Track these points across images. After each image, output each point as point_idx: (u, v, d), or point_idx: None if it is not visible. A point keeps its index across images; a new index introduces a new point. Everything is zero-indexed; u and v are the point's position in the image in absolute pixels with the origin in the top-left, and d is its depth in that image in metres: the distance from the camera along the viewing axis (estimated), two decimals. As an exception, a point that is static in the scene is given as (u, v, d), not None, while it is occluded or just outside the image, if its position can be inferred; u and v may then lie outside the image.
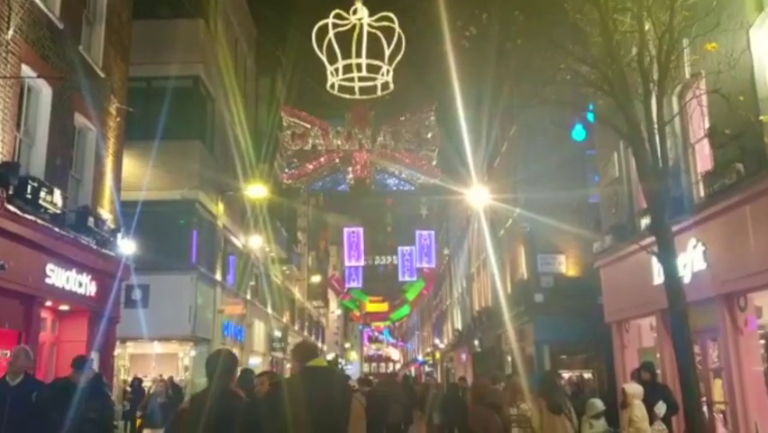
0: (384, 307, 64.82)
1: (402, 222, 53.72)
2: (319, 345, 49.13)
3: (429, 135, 22.94)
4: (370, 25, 16.25)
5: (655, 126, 8.79)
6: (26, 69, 10.66)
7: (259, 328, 27.25)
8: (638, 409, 9.15)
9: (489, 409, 8.54)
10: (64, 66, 11.91)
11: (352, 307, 61.18)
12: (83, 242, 12.26)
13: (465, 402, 12.24)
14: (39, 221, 10.58)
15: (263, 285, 28.13)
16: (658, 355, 12.67)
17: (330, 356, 50.95)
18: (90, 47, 13.44)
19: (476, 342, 30.59)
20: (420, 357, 69.09)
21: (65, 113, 12.06)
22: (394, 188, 23.88)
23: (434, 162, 23.05)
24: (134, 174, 16.77)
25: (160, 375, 16.96)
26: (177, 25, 19.59)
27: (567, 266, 19.46)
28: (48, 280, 11.17)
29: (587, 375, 18.24)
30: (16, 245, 10.09)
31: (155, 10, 19.27)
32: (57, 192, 10.91)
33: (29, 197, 10.19)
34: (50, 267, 11.19)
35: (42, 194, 10.45)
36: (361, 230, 47.17)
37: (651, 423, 9.26)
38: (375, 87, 17.39)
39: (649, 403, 9.35)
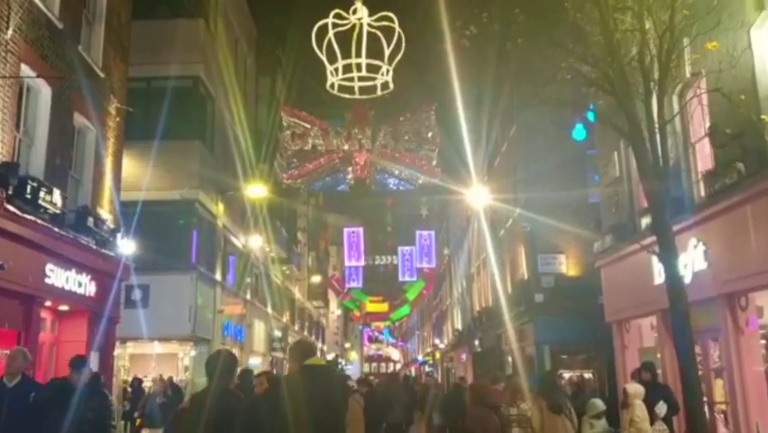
0: (384, 307, 64.78)
1: (402, 222, 53.71)
2: (319, 345, 49.11)
3: (429, 135, 22.95)
4: (369, 25, 16.22)
5: (656, 125, 8.77)
6: (25, 69, 10.64)
7: (259, 328, 27.23)
8: (639, 410, 9.14)
9: (487, 409, 8.51)
10: (63, 66, 11.89)
11: (352, 307, 61.17)
12: (82, 242, 12.24)
13: (465, 402, 12.22)
14: (38, 221, 10.56)
15: (263, 285, 28.12)
16: (659, 355, 12.66)
17: (330, 356, 50.95)
18: (90, 47, 13.42)
19: (476, 342, 30.58)
20: (420, 357, 69.08)
21: (64, 113, 12.04)
22: (394, 188, 23.90)
23: (434, 162, 23.06)
24: (134, 174, 16.75)
25: (160, 375, 16.93)
26: (176, 25, 19.57)
27: (567, 266, 19.44)
28: (47, 281, 11.15)
29: (587, 375, 18.21)
30: (16, 245, 10.07)
31: (155, 10, 19.26)
32: (56, 192, 10.89)
33: (28, 197, 10.17)
34: (49, 267, 11.17)
35: (42, 194, 10.43)
36: (361, 230, 47.15)
37: (652, 423, 9.24)
38: (375, 86, 17.36)
39: (650, 403, 9.34)
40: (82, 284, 12.36)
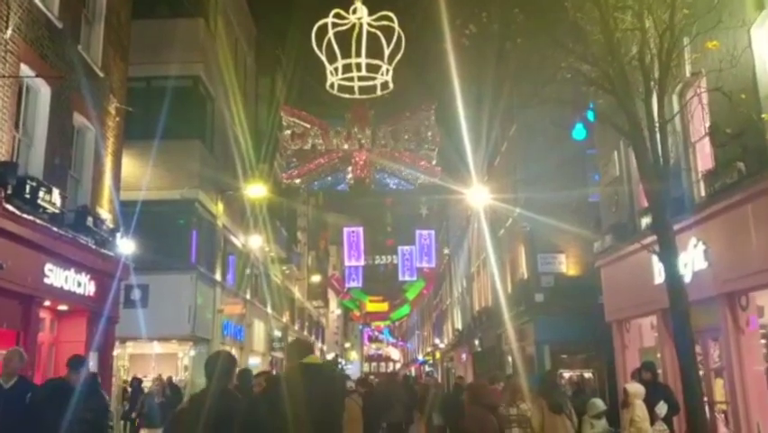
0: (384, 306, 64.78)
1: (402, 221, 53.70)
2: (319, 344, 49.09)
3: (429, 135, 22.93)
4: (369, 25, 16.19)
5: (656, 125, 8.76)
6: (25, 69, 10.62)
7: (258, 328, 27.22)
8: (639, 409, 9.13)
9: (484, 409, 8.50)
10: (63, 65, 11.87)
11: (352, 306, 61.16)
12: (82, 241, 12.22)
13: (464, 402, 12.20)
14: (37, 221, 10.54)
15: (263, 285, 28.10)
16: (659, 355, 12.64)
17: (330, 356, 50.94)
18: (89, 46, 13.40)
19: (476, 341, 30.57)
20: (420, 357, 69.07)
21: (64, 112, 12.02)
22: (394, 188, 23.86)
23: (434, 162, 23.03)
24: (134, 174, 16.74)
25: (159, 375, 16.93)
26: (176, 25, 19.56)
27: (567, 266, 19.43)
28: (46, 280, 11.13)
29: (587, 375, 18.20)
30: (15, 245, 10.05)
31: (154, 9, 19.24)
32: (55, 192, 10.87)
33: (27, 196, 10.15)
34: (48, 267, 11.15)
35: (41, 194, 10.41)
36: (360, 230, 47.14)
37: (652, 423, 9.23)
38: (375, 86, 17.34)
39: (650, 403, 9.32)
40: (81, 284, 12.34)
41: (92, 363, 13.01)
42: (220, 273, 21.21)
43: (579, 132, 16.89)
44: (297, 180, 23.26)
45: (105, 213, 13.58)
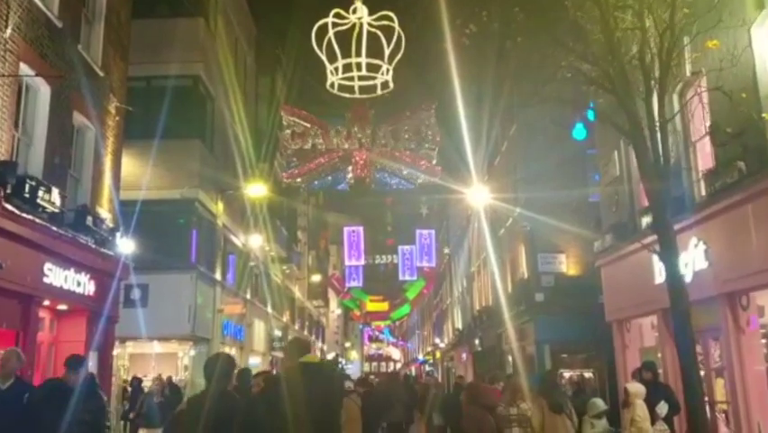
0: (384, 306, 64.77)
1: (402, 221, 53.73)
2: (319, 344, 49.09)
3: (429, 134, 22.91)
4: (369, 24, 16.19)
5: (657, 124, 8.75)
6: (24, 68, 10.61)
7: (259, 328, 27.21)
8: (640, 409, 9.12)
9: (482, 409, 8.51)
10: (63, 65, 11.86)
11: (352, 306, 61.16)
12: (81, 241, 12.21)
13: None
14: (37, 220, 10.53)
15: (263, 284, 28.09)
16: (659, 355, 12.63)
17: (330, 356, 50.94)
18: (89, 46, 13.39)
19: (476, 341, 30.55)
20: (420, 356, 69.06)
21: (64, 112, 12.01)
22: (394, 187, 23.85)
23: (435, 161, 23.02)
24: (134, 173, 16.72)
25: (159, 375, 16.92)
26: (176, 24, 19.55)
27: (567, 265, 19.42)
28: (46, 280, 11.12)
29: (588, 375, 18.18)
30: (14, 244, 10.03)
31: (154, 9, 19.23)
32: (55, 191, 10.85)
33: (27, 196, 10.14)
34: (48, 266, 11.13)
35: (41, 193, 10.40)
36: (361, 229, 47.16)
37: (653, 423, 9.22)
38: (375, 86, 17.34)
39: (651, 403, 9.31)
40: (81, 283, 12.33)
41: (92, 363, 13.02)
42: (220, 273, 21.21)
43: (579, 131, 16.88)
44: (298, 180, 23.25)
45: (104, 212, 13.57)
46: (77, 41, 12.62)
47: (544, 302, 19.19)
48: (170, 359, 19.43)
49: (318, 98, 24.04)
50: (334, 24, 16.02)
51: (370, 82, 17.19)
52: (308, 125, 22.79)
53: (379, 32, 16.16)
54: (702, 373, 10.25)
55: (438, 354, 51.65)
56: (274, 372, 21.90)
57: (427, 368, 56.15)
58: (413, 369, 68.83)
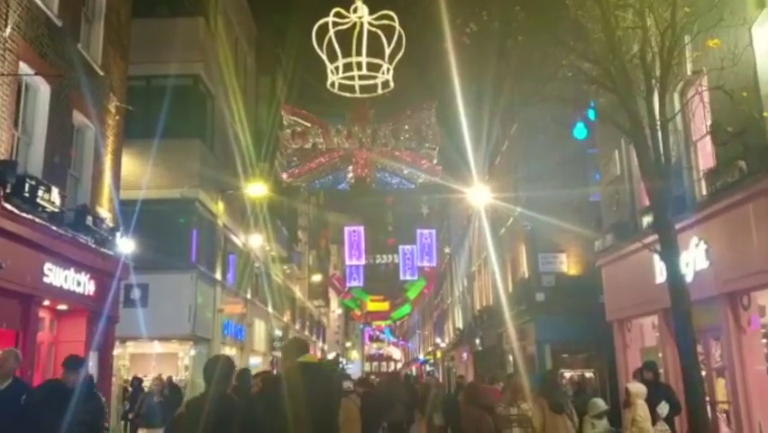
0: (385, 306, 64.74)
1: (403, 221, 53.75)
2: (320, 344, 49.07)
3: (429, 133, 22.89)
4: (370, 24, 16.18)
5: (658, 123, 8.73)
6: (24, 67, 10.59)
7: (259, 328, 27.19)
8: (641, 409, 9.10)
9: (480, 409, 8.49)
10: (62, 64, 11.85)
11: (352, 306, 61.13)
12: (81, 241, 12.19)
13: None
14: (37, 220, 10.51)
15: (264, 284, 28.07)
16: (660, 355, 12.60)
17: (331, 355, 50.92)
18: (89, 45, 13.37)
19: (477, 341, 30.53)
20: (421, 356, 69.05)
21: (63, 111, 11.99)
22: (395, 187, 23.85)
23: (435, 161, 23.01)
24: (134, 173, 16.71)
25: (159, 375, 16.90)
26: (176, 24, 19.53)
27: (568, 265, 19.40)
28: (46, 280, 11.10)
29: (588, 375, 18.16)
30: (14, 244, 10.01)
31: (154, 8, 19.20)
32: (55, 191, 10.83)
33: (27, 195, 10.12)
34: (47, 266, 11.11)
35: (40, 192, 10.38)
36: (361, 229, 47.14)
37: (654, 423, 9.20)
38: (375, 85, 17.33)
39: (652, 403, 9.29)
40: (81, 283, 12.31)
41: (92, 363, 13.02)
42: (220, 273, 21.19)
43: (580, 131, 16.87)
44: (298, 179, 23.25)
45: (104, 212, 13.55)
46: (76, 40, 12.60)
47: (544, 302, 19.16)
48: (171, 359, 19.41)
49: (319, 98, 24.03)
50: (335, 24, 16.01)
51: (371, 81, 17.18)
52: (309, 125, 22.78)
53: (379, 32, 16.16)
54: (703, 373, 10.23)
55: (439, 354, 51.63)
56: (275, 372, 21.90)
57: (428, 368, 56.16)
58: (413, 369, 68.83)
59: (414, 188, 24.19)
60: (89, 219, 12.28)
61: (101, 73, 13.60)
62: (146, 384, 17.03)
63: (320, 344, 49.14)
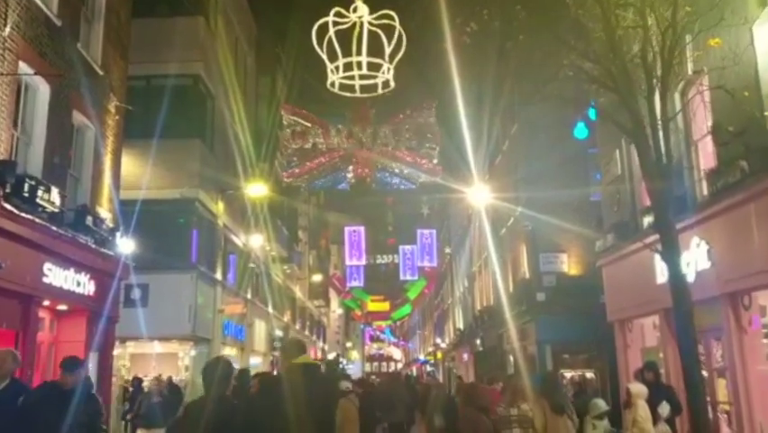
0: (385, 306, 64.75)
1: (403, 221, 53.75)
2: (320, 344, 49.05)
3: (430, 133, 22.89)
4: (370, 23, 16.16)
5: (659, 123, 8.70)
6: (23, 67, 10.57)
7: (259, 328, 27.18)
8: (642, 410, 9.08)
9: (477, 411, 8.47)
10: (62, 63, 11.82)
11: (353, 306, 61.13)
12: (81, 241, 12.17)
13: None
14: (36, 220, 10.49)
15: (264, 284, 28.05)
16: (661, 355, 12.58)
17: (331, 356, 50.90)
18: (89, 45, 13.35)
19: (478, 341, 30.51)
20: (422, 357, 69.06)
21: (63, 111, 11.97)
22: (395, 187, 23.84)
23: (435, 161, 23.00)
24: (134, 173, 16.68)
25: (159, 375, 16.88)
26: (176, 23, 19.50)
27: (569, 265, 19.36)
28: (45, 280, 11.08)
29: (589, 375, 18.12)
30: (13, 244, 9.99)
31: (154, 8, 19.17)
32: (55, 191, 10.81)
33: (26, 195, 10.09)
34: (47, 266, 11.09)
35: (40, 192, 10.35)
36: (362, 229, 47.16)
37: (654, 424, 9.17)
38: (375, 85, 17.31)
39: (653, 404, 9.27)
40: (81, 283, 12.29)
41: (92, 364, 13.01)
42: (221, 273, 21.17)
43: (580, 130, 16.85)
44: (298, 179, 23.24)
45: (104, 212, 13.53)
46: (76, 40, 12.58)
47: (545, 302, 19.13)
48: (171, 359, 19.39)
49: (319, 97, 24.03)
50: (335, 23, 16.00)
51: (371, 81, 17.16)
52: (309, 125, 22.80)
53: (379, 31, 16.14)
54: (704, 373, 10.20)
55: (439, 355, 51.63)
56: (275, 372, 21.88)
57: (428, 368, 56.15)
58: (414, 369, 68.82)
59: (414, 188, 24.20)
60: (89, 219, 12.25)
61: (101, 73, 13.58)
62: (146, 384, 17.01)
63: (320, 344, 49.13)
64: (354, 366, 69.99)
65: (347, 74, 16.66)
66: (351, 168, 22.79)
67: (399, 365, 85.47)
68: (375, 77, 16.88)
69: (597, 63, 9.23)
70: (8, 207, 9.76)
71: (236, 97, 22.61)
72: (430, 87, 26.71)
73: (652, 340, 13.93)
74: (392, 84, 17.23)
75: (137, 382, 17.15)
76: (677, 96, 11.11)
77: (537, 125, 18.58)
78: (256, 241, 24.45)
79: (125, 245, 13.80)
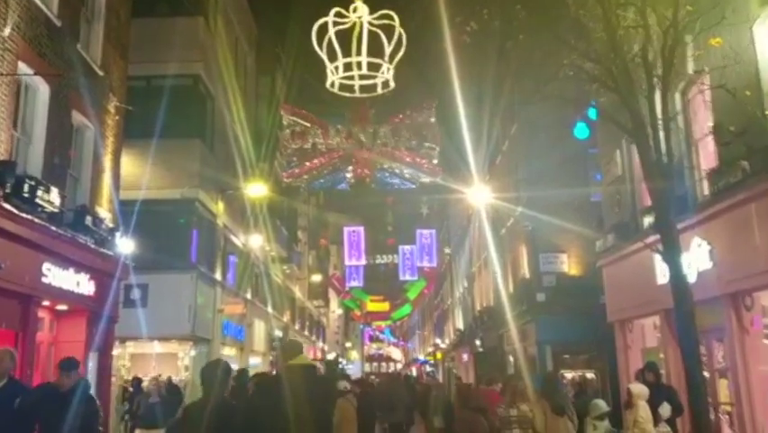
0: (385, 306, 64.75)
1: (403, 221, 53.71)
2: (320, 344, 49.03)
3: (429, 133, 22.87)
4: (370, 23, 16.15)
5: (660, 122, 8.69)
6: (23, 67, 10.55)
7: (259, 328, 27.15)
8: (643, 410, 9.05)
9: (474, 412, 8.45)
10: (62, 64, 11.80)
11: (352, 306, 61.13)
12: (81, 241, 12.14)
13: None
14: (36, 220, 10.47)
15: (263, 284, 28.03)
16: (662, 355, 12.57)
17: (331, 356, 50.89)
18: (89, 45, 13.33)
19: (478, 342, 30.47)
20: (421, 357, 69.03)
21: (63, 111, 11.95)
22: (394, 187, 23.83)
23: (435, 161, 22.98)
24: (133, 173, 16.66)
25: (159, 375, 16.86)
26: (176, 23, 19.47)
27: (569, 265, 19.34)
28: (45, 280, 11.05)
29: (590, 375, 18.09)
30: (13, 244, 9.97)
31: (154, 8, 19.17)
32: (54, 191, 10.79)
33: (26, 195, 10.07)
34: (47, 266, 11.07)
35: (40, 192, 10.33)
36: (361, 229, 47.12)
37: (655, 424, 9.15)
38: (375, 85, 17.31)
39: (653, 404, 9.25)
40: (80, 283, 12.26)
41: (92, 364, 12.99)
42: (220, 273, 21.15)
43: (581, 130, 16.83)
44: (298, 180, 23.22)
45: (104, 212, 13.51)
46: (76, 40, 12.56)
47: (545, 302, 19.11)
48: (171, 359, 19.36)
49: (318, 97, 24.01)
50: (335, 23, 16.00)
51: (371, 81, 17.16)
52: (308, 125, 22.78)
53: (379, 31, 16.13)
54: (706, 374, 10.18)
55: (439, 355, 51.59)
56: (274, 372, 21.87)
57: (428, 369, 56.11)
58: (413, 369, 68.80)
59: (414, 189, 24.19)
60: (89, 219, 12.23)
61: (100, 73, 13.56)
62: (145, 385, 16.98)
63: (320, 344, 49.11)
64: (354, 366, 69.98)
65: (347, 74, 16.67)
66: (350, 168, 22.78)
67: (399, 366, 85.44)
68: (375, 77, 16.87)
69: (597, 63, 9.21)
70: (8, 207, 9.73)
71: (236, 97, 22.59)
72: (430, 87, 26.72)
73: (652, 341, 13.91)
74: (392, 84, 17.23)
75: (137, 382, 17.12)
76: (678, 96, 11.09)
77: (537, 125, 18.56)
78: (256, 241, 24.42)
79: (125, 245, 13.77)
